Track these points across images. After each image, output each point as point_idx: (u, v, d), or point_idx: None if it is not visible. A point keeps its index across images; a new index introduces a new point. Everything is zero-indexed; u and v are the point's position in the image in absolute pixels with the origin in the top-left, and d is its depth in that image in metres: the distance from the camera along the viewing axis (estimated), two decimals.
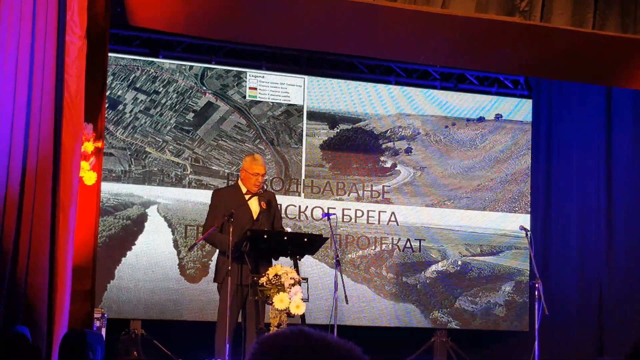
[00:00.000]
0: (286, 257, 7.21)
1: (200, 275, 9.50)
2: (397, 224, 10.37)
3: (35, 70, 6.01)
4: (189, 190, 9.65)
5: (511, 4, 7.33)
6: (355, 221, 10.25)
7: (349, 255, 10.18)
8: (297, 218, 10.00)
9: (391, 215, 10.37)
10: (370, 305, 10.15)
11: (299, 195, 10.06)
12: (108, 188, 9.16)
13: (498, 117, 10.86)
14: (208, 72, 9.83)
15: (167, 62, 9.71)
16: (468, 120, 10.76)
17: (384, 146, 10.46)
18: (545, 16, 7.40)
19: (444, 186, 10.58)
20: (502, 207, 10.74)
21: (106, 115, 7.97)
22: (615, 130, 9.96)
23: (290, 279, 6.65)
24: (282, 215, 9.58)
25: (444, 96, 10.72)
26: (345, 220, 10.18)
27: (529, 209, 10.74)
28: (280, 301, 6.59)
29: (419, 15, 7.34)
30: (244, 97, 9.94)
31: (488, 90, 10.94)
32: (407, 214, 10.43)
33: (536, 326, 7.87)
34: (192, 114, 9.74)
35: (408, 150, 10.53)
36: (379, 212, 10.35)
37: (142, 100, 9.57)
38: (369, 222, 10.30)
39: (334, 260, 7.64)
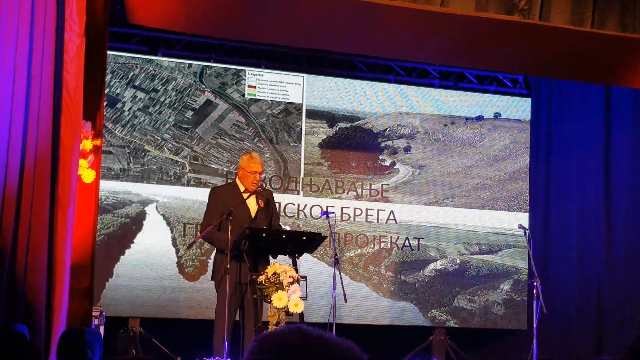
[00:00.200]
0: (285, 255, 7.21)
1: (199, 273, 9.49)
2: (396, 223, 10.37)
3: (34, 68, 6.00)
4: (188, 188, 9.65)
5: (510, 2, 7.33)
6: (354, 219, 10.25)
7: (348, 254, 10.18)
8: (296, 216, 10.00)
9: (390, 213, 10.37)
10: (369, 304, 10.15)
11: (298, 193, 10.05)
12: (107, 186, 9.15)
13: (497, 115, 10.86)
14: (207, 70, 9.82)
15: (166, 60, 9.70)
16: (467, 119, 10.76)
17: (382, 145, 10.46)
18: (545, 15, 7.40)
19: (442, 185, 10.59)
20: (501, 206, 10.74)
21: (105, 113, 7.96)
22: (615, 129, 9.95)
23: (289, 277, 6.65)
24: (281, 214, 9.59)
25: (443, 95, 10.72)
26: (344, 218, 10.18)
27: (528, 208, 10.75)
28: (278, 299, 6.59)
29: (419, 14, 7.34)
30: (243, 95, 9.93)
31: (487, 89, 10.94)
32: (406, 212, 10.43)
33: (534, 325, 7.87)
34: (191, 112, 9.74)
35: (407, 149, 10.53)
36: (378, 210, 10.34)
37: (140, 98, 9.56)
38: (368, 220, 10.30)
39: (333, 259, 7.64)
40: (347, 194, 10.26)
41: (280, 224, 7.80)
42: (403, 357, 9.66)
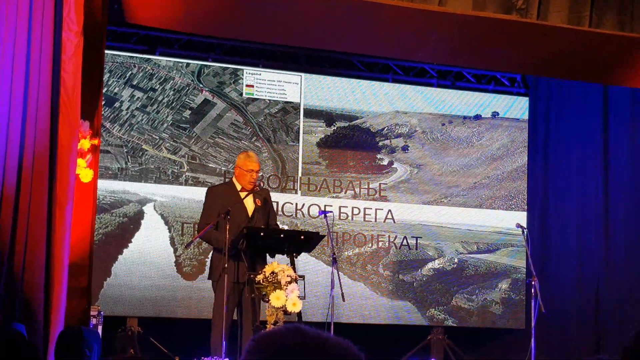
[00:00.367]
0: (283, 254, 7.21)
1: (197, 272, 9.49)
2: (394, 222, 10.37)
3: (32, 68, 6.00)
4: (186, 187, 9.64)
5: (508, 2, 7.33)
6: (352, 219, 10.25)
7: (346, 253, 10.18)
8: (293, 215, 10.00)
9: (388, 212, 10.37)
10: (367, 303, 10.15)
11: (296, 192, 10.05)
12: (104, 185, 9.15)
13: (495, 115, 10.87)
14: (205, 70, 9.82)
15: (164, 60, 9.70)
16: (465, 118, 10.76)
17: (380, 144, 10.46)
18: (542, 14, 7.40)
19: (440, 184, 10.59)
20: (499, 205, 10.74)
21: (103, 113, 7.95)
22: (613, 128, 9.95)
23: (287, 276, 6.65)
24: (279, 213, 9.60)
25: (440, 94, 10.72)
26: (342, 217, 10.18)
27: (526, 207, 10.75)
28: (276, 299, 6.59)
29: (416, 13, 7.35)
30: (241, 94, 9.93)
31: (485, 88, 10.94)
32: (404, 211, 10.43)
33: (533, 324, 7.87)
34: (188, 112, 9.73)
35: (405, 148, 10.53)
36: (376, 209, 10.35)
37: (138, 97, 9.56)
38: (366, 219, 10.30)
39: (331, 258, 7.64)
40: (345, 193, 10.26)
41: (278, 223, 7.79)
42: (401, 357, 9.67)
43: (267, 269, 6.69)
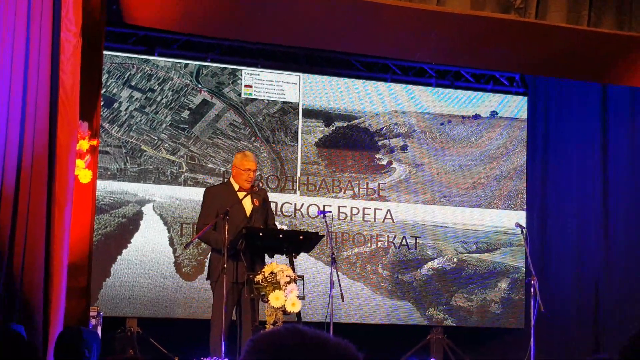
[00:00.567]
0: (282, 254, 7.21)
1: (196, 273, 9.50)
2: (393, 222, 10.38)
3: (30, 68, 5.99)
4: (185, 188, 9.64)
5: (507, 1, 7.33)
6: (351, 219, 10.25)
7: (345, 253, 10.18)
8: (292, 216, 10.00)
9: (387, 212, 10.37)
10: (366, 303, 10.16)
11: (295, 192, 10.05)
12: (103, 186, 9.15)
13: (493, 114, 10.87)
14: (203, 70, 9.82)
15: (162, 60, 9.70)
16: (464, 117, 10.76)
17: (379, 143, 10.46)
18: (541, 13, 7.41)
19: (439, 183, 10.59)
20: (498, 204, 10.75)
21: (101, 113, 7.96)
22: (612, 127, 9.95)
23: (286, 276, 6.65)
24: (278, 213, 9.60)
25: (439, 93, 10.72)
26: (341, 217, 10.18)
27: (525, 206, 10.75)
28: (276, 299, 6.59)
29: (415, 13, 7.35)
30: (240, 94, 9.93)
31: (484, 88, 10.94)
32: (403, 211, 10.43)
33: (532, 323, 7.87)
34: (187, 112, 9.73)
35: (404, 148, 10.53)
36: (375, 209, 10.35)
37: (137, 98, 9.56)
38: (365, 219, 10.30)
39: (330, 258, 7.65)
40: (344, 193, 10.26)
41: (276, 223, 7.79)
42: (401, 356, 9.67)
43: (266, 269, 6.68)
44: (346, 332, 2.59)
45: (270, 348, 1.87)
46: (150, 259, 9.42)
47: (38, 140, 5.97)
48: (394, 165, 10.48)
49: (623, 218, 9.76)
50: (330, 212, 9.04)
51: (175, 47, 9.81)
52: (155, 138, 9.59)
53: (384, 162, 10.46)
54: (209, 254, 7.55)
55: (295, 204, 10.04)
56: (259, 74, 10.01)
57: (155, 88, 9.62)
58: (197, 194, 9.23)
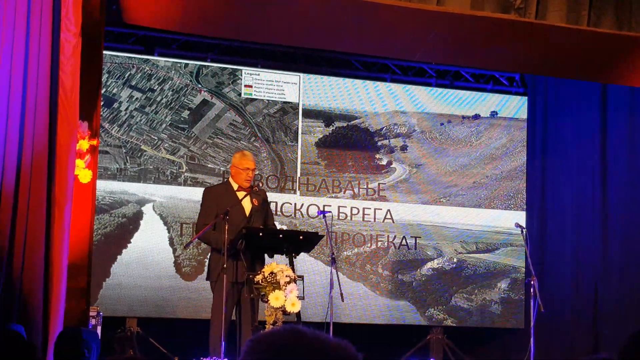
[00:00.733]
0: (282, 254, 7.21)
1: (196, 273, 9.49)
2: (393, 222, 10.37)
3: (30, 68, 5.99)
4: (185, 188, 9.64)
5: (506, 1, 7.33)
6: (351, 219, 10.25)
7: (345, 253, 10.18)
8: (292, 216, 9.99)
9: (387, 212, 10.36)
10: (366, 303, 10.15)
11: (295, 192, 10.05)
12: (103, 186, 9.15)
13: (493, 114, 10.87)
14: (203, 70, 9.82)
15: (162, 60, 9.70)
16: (463, 117, 10.76)
17: (379, 143, 10.46)
18: (540, 13, 7.40)
19: (439, 183, 10.59)
20: (498, 205, 10.74)
21: (101, 113, 7.95)
22: (611, 127, 9.94)
23: (286, 276, 6.65)
24: (278, 213, 9.60)
25: (439, 93, 10.72)
26: (340, 217, 10.18)
27: (525, 206, 10.75)
28: (275, 299, 6.58)
29: (415, 13, 7.35)
30: (240, 94, 9.93)
31: (483, 88, 10.94)
32: (403, 211, 10.43)
33: (532, 323, 7.87)
34: (187, 112, 9.73)
35: (404, 148, 10.53)
36: (375, 209, 10.34)
37: (137, 98, 9.56)
38: (365, 219, 10.30)
39: (330, 258, 7.65)
40: (344, 193, 10.26)
41: (276, 223, 7.79)
42: (401, 356, 9.67)
43: (266, 269, 6.68)
44: (346, 332, 2.59)
45: (269, 348, 1.87)
46: (150, 259, 9.42)
47: (38, 140, 5.97)
48: (394, 165, 10.48)
49: (622, 217, 9.76)
50: (330, 212, 9.04)
51: (175, 47, 9.81)
52: (155, 138, 9.59)
53: (384, 162, 10.46)
54: (209, 254, 7.55)
55: (295, 204, 10.04)
56: (259, 74, 10.01)
57: (155, 88, 9.62)
58: (197, 194, 9.22)
